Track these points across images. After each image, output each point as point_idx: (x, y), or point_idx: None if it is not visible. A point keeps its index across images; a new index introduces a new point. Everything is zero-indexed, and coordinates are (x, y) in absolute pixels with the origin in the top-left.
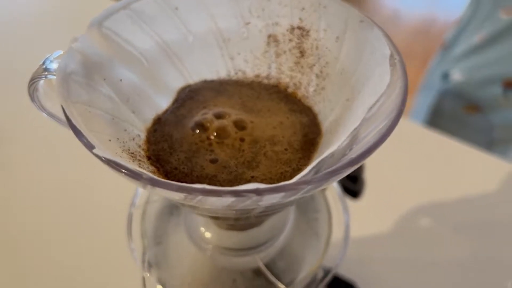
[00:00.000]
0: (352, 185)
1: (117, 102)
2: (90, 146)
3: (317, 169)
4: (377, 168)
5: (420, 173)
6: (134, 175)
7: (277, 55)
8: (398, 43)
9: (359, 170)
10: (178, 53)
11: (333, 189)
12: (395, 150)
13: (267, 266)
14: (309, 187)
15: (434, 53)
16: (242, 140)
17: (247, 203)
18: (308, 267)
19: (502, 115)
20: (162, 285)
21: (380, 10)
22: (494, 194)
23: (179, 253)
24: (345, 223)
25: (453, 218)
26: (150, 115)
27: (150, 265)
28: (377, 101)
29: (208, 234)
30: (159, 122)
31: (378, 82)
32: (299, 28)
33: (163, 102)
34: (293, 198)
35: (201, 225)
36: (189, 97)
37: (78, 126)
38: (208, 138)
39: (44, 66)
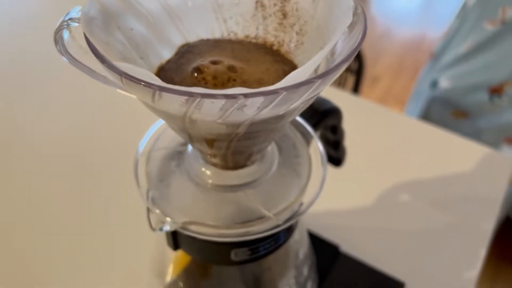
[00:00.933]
0: (334, 152)
1: (128, 47)
2: (106, 61)
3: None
4: (362, 149)
5: (400, 154)
6: (146, 83)
7: (264, 18)
8: (390, 57)
9: (340, 138)
10: (179, 15)
11: (315, 144)
12: (378, 135)
13: (255, 198)
14: (285, 93)
15: (424, 64)
16: (234, 80)
17: (236, 105)
18: (289, 200)
19: (489, 119)
20: (165, 215)
21: (374, 27)
22: (466, 173)
23: (180, 189)
24: (322, 166)
25: (429, 194)
26: (155, 62)
27: (153, 200)
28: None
29: (207, 173)
30: (162, 69)
31: (343, 26)
32: None
33: (166, 54)
34: (275, 105)
35: (201, 167)
36: (188, 51)
37: (97, 46)
38: (204, 79)
39: (68, 17)
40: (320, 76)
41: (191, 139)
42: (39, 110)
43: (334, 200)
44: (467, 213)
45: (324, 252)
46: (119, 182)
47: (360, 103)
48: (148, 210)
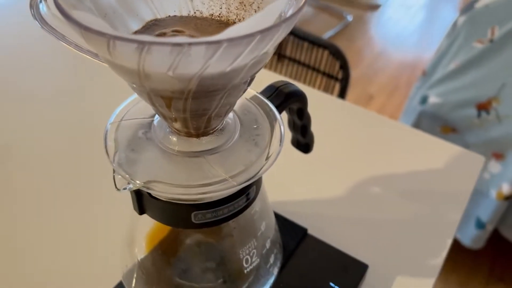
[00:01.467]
0: (302, 139)
1: (96, 15)
2: (66, 13)
3: None
4: (338, 144)
5: (375, 150)
6: (100, 33)
7: None
8: (385, 76)
9: (307, 122)
10: None
11: (278, 123)
12: (357, 133)
13: (215, 163)
14: (227, 44)
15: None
16: None
17: (181, 53)
18: (243, 166)
19: (477, 135)
20: (129, 175)
21: (371, 47)
22: (437, 169)
23: (146, 154)
24: (281, 134)
25: (400, 186)
26: (122, 31)
27: (120, 162)
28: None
29: (172, 140)
30: None
31: None
32: None
33: (134, 26)
34: (219, 57)
35: (167, 135)
36: (155, 24)
37: (65, 9)
38: None
39: None
40: (261, 31)
41: (151, 99)
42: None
43: (308, 188)
44: (436, 205)
45: (293, 233)
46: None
47: (342, 105)
48: (114, 171)
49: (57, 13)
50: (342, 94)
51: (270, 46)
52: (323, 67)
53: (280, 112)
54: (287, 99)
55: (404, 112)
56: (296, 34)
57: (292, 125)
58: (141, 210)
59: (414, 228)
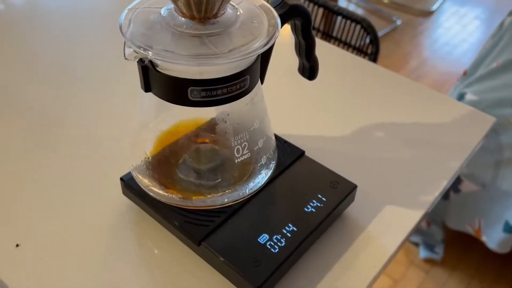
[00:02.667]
0: (307, 63)
1: None
2: None
3: None
4: (352, 94)
5: (383, 102)
6: None
7: None
8: (429, 82)
9: (311, 42)
10: None
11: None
12: (373, 89)
13: (213, 43)
14: None
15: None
16: None
17: None
18: (236, 46)
19: (511, 135)
20: (144, 48)
21: (417, 52)
22: (441, 122)
23: (154, 31)
24: (275, 30)
25: (403, 133)
26: None
27: (131, 35)
28: None
29: (180, 22)
30: None
31: None
32: None
33: None
34: None
35: (174, 18)
36: None
37: None
38: None
39: None
40: None
41: None
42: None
43: (314, 122)
44: (436, 152)
45: (290, 153)
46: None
47: (367, 64)
48: (124, 44)
49: None
50: None
51: None
52: (354, 41)
53: (283, 23)
54: (290, 11)
55: None
56: (330, 9)
57: (297, 48)
58: (146, 87)
59: (411, 167)
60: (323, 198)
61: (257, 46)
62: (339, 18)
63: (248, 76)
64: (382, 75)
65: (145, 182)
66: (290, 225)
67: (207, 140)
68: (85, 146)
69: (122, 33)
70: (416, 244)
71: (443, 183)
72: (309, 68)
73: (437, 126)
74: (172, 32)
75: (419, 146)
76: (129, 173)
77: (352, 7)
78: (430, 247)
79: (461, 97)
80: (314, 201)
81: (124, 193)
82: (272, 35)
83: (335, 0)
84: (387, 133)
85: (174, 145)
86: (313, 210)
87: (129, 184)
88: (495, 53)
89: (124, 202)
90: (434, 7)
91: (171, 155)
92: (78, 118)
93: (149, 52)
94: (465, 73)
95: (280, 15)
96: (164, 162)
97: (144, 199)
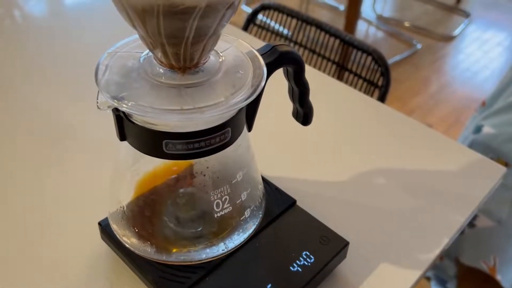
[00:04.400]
0: (301, 109)
1: None
2: None
3: None
4: (352, 134)
5: (382, 143)
6: None
7: None
8: (447, 108)
9: (304, 90)
10: None
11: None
12: (372, 127)
13: (190, 95)
14: None
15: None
16: None
17: None
18: (215, 101)
19: None
20: (116, 100)
21: (436, 76)
22: (451, 170)
23: (132, 81)
24: (260, 82)
25: (404, 180)
26: None
27: (106, 84)
28: None
29: (158, 72)
30: None
31: None
32: None
33: None
34: None
35: (154, 67)
36: None
37: None
38: None
39: None
40: None
41: (129, 17)
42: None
43: (308, 166)
44: (440, 203)
45: (281, 202)
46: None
47: (372, 103)
48: (98, 93)
49: None
50: (381, 100)
51: None
52: (364, 73)
53: (272, 71)
54: (281, 59)
55: (458, 141)
56: (341, 38)
57: (291, 93)
58: (122, 136)
59: (411, 219)
60: (311, 256)
61: (238, 100)
62: (350, 48)
63: (229, 129)
64: (386, 115)
65: (120, 231)
66: (271, 286)
67: (186, 187)
68: (70, 182)
69: (96, 80)
70: (428, 279)
71: (445, 241)
72: (303, 114)
73: (443, 173)
74: (148, 82)
75: (422, 195)
76: (105, 219)
77: (372, 30)
78: (442, 282)
79: (478, 130)
80: (301, 259)
81: (102, 238)
82: (256, 87)
83: (353, 27)
84: (388, 179)
85: (150, 193)
86: (299, 269)
87: (106, 230)
88: None
89: (103, 245)
90: (456, 32)
91: (147, 204)
92: (66, 152)
93: (122, 105)
94: (483, 104)
95: (269, 63)
96: (139, 211)
97: (120, 248)
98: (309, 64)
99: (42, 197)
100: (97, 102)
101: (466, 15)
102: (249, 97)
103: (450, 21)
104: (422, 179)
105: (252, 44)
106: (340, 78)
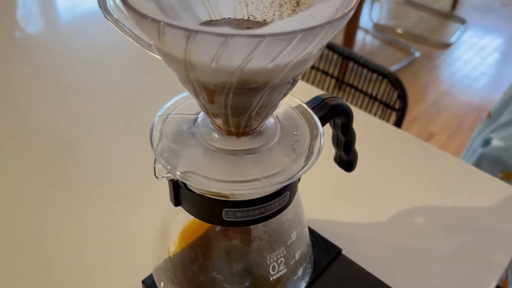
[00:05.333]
0: (346, 156)
1: (154, 8)
2: (127, 4)
3: None
4: (385, 171)
5: (418, 179)
6: (152, 19)
7: (280, 5)
8: (449, 116)
9: (351, 139)
10: None
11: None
12: (402, 160)
13: (251, 162)
14: (269, 39)
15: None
16: None
17: (224, 42)
18: (278, 169)
19: None
20: (168, 164)
21: (436, 84)
22: (486, 206)
23: (186, 146)
24: (320, 144)
25: (444, 218)
26: None
27: (161, 152)
28: None
29: (213, 136)
30: None
31: None
32: None
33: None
34: (260, 52)
35: (210, 131)
36: (208, 23)
37: None
38: None
39: None
40: (303, 30)
41: (195, 91)
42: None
43: (348, 209)
44: (482, 242)
45: (326, 251)
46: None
47: (394, 132)
48: (155, 160)
49: (121, 6)
50: (398, 124)
51: (313, 46)
52: (381, 96)
53: (323, 124)
54: (331, 112)
55: (465, 153)
56: (356, 61)
57: (336, 141)
58: (176, 202)
59: (455, 263)
60: None
61: (300, 167)
62: (365, 70)
63: (288, 192)
64: (418, 148)
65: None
66: None
67: (237, 241)
68: (109, 236)
69: (152, 147)
70: None
71: (492, 285)
72: (347, 161)
73: (480, 209)
74: (206, 148)
75: (463, 233)
76: (151, 276)
77: (369, 39)
78: None
79: (487, 143)
80: None
81: None
82: (317, 153)
83: (353, 39)
84: (426, 217)
85: (199, 244)
86: None
87: None
88: None
89: None
90: (453, 39)
91: (194, 255)
92: (102, 195)
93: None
94: (489, 115)
95: (320, 118)
96: (186, 264)
97: None
98: (321, 88)
99: (81, 252)
100: (155, 171)
101: (462, 21)
102: (310, 163)
103: (446, 28)
104: (462, 216)
105: None
106: (354, 102)
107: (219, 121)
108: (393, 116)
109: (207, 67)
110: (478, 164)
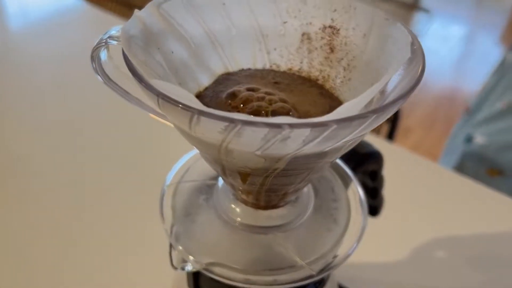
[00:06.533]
0: (372, 201)
1: (167, 71)
2: (143, 79)
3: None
4: (398, 201)
5: (437, 209)
6: (184, 106)
7: (309, 51)
8: (423, 109)
9: (379, 185)
10: (221, 42)
11: (354, 189)
12: (414, 187)
13: (287, 243)
14: (335, 126)
15: (458, 118)
16: (274, 110)
17: (280, 135)
18: (324, 249)
19: None
20: (188, 254)
21: None
22: (506, 233)
23: (206, 226)
24: (363, 215)
25: (466, 251)
26: (193, 89)
27: (177, 236)
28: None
29: (236, 211)
30: (199, 96)
31: (400, 61)
32: (331, 27)
33: (204, 81)
34: (321, 139)
35: (231, 203)
36: (226, 78)
37: (135, 64)
38: (237, 107)
39: (107, 35)
40: (375, 111)
41: (223, 171)
42: (60, 130)
43: (366, 251)
44: (507, 276)
45: None
46: (142, 214)
47: (394, 151)
48: (171, 246)
49: (121, 65)
50: (390, 136)
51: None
52: None
53: (354, 174)
54: (363, 161)
55: (446, 151)
56: None
57: (361, 185)
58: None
59: None
60: None
61: (352, 249)
62: None
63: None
64: (419, 165)
65: None
66: None
67: None
68: None
69: (166, 231)
70: None
71: None
72: (373, 206)
73: (498, 235)
74: (229, 227)
75: (488, 268)
76: None
77: None
78: None
79: (469, 140)
80: None
81: None
82: (361, 233)
83: None
84: (446, 251)
85: None
86: None
87: None
88: (499, 92)
89: None
90: (419, 30)
91: None
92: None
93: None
94: (467, 110)
95: (352, 168)
96: None
97: None
98: None
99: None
100: (171, 260)
101: (426, 11)
102: (359, 240)
103: (411, 19)
104: (486, 247)
105: None
106: None
107: (247, 197)
108: (385, 127)
109: (248, 154)
110: (462, 163)
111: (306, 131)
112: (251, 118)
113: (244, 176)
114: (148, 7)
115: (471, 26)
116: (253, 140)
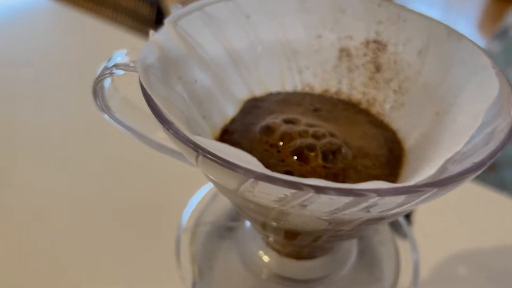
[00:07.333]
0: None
1: (190, 105)
2: (180, 132)
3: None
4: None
5: (457, 222)
6: (233, 166)
7: (349, 70)
8: None
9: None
10: (246, 62)
11: (399, 225)
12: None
13: None
14: (435, 190)
15: None
16: (323, 147)
17: (364, 204)
18: None
19: None
20: None
21: None
22: None
23: (232, 281)
24: (413, 262)
25: (486, 264)
26: (218, 122)
27: None
28: (489, 107)
29: (264, 259)
30: (226, 132)
31: (478, 90)
32: (375, 42)
33: (229, 110)
34: (411, 203)
35: (258, 249)
36: (254, 106)
37: (160, 105)
38: (277, 145)
39: (112, 63)
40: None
41: (264, 228)
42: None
43: None
44: None
45: None
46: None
47: None
48: None
49: (128, 96)
50: None
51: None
52: None
53: None
54: None
55: None
56: None
57: None
58: None
59: None
60: None
61: None
62: None
63: None
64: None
65: None
66: None
67: None
68: None
69: None
70: None
71: None
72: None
73: None
74: (256, 277)
75: (505, 283)
76: None
77: None
78: None
79: None
80: None
81: None
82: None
83: None
84: (468, 268)
85: None
86: None
87: None
88: None
89: None
90: None
91: None
92: None
93: None
94: None
95: None
96: None
97: None
98: None
99: None
100: None
101: None
102: None
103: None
104: (509, 262)
105: None
106: None
107: (282, 247)
108: None
109: (311, 218)
110: None
111: (400, 198)
112: (328, 183)
113: (292, 235)
114: (165, 27)
115: (443, 10)
116: (325, 207)
